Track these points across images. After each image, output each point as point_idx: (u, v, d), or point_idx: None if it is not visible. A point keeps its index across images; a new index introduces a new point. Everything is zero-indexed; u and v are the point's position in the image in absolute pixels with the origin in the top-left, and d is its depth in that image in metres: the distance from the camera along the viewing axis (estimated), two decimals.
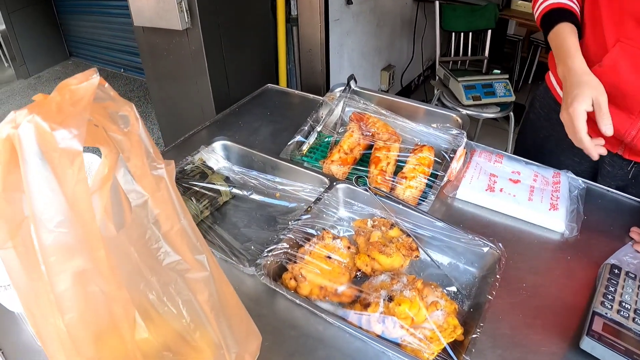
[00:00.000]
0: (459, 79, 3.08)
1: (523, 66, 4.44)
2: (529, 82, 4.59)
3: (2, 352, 0.91)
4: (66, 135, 0.40)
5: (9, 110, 4.86)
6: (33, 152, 0.41)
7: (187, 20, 2.19)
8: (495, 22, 3.34)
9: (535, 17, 1.23)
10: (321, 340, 0.86)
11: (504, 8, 3.84)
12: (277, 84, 3.01)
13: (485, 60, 3.41)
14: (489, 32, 3.37)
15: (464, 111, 2.90)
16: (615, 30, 1.08)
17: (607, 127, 0.99)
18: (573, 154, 1.33)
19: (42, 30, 6.15)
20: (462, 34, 3.41)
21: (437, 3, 3.32)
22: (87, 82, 0.43)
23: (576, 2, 1.18)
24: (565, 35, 1.12)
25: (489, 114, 3.01)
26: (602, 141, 1.03)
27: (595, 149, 1.03)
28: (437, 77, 3.48)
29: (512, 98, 3.05)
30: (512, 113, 3.13)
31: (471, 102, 2.99)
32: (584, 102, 1.00)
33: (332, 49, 3.16)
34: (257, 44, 2.67)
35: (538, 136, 1.39)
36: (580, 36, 1.15)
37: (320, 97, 1.60)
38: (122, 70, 5.84)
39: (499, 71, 3.14)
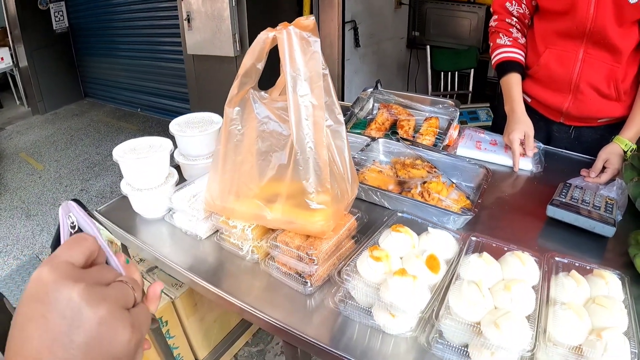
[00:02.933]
0: None
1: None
2: None
3: (145, 244, 1.33)
4: (307, 34, 0.94)
5: (30, 139, 5.29)
6: (294, 40, 0.94)
7: (238, 49, 2.75)
8: (477, 62, 3.97)
9: (492, 62, 1.82)
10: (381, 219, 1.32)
11: (484, 51, 4.36)
12: None
13: (470, 95, 4.02)
14: (472, 70, 4.00)
15: None
16: (544, 41, 1.68)
17: (530, 151, 1.65)
18: None
19: (61, 69, 6.55)
20: (449, 73, 4.03)
21: (428, 47, 3.96)
22: (309, 19, 0.97)
23: (522, 51, 1.75)
24: (513, 86, 1.72)
25: None
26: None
27: (518, 164, 1.65)
28: None
29: None
30: None
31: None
32: (519, 133, 1.64)
33: (345, 84, 3.76)
34: None
35: (503, 121, 1.89)
36: (524, 77, 1.75)
37: (348, 103, 2.14)
38: (139, 109, 6.20)
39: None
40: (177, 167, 1.57)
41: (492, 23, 1.81)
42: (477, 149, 1.73)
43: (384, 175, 1.44)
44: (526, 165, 1.65)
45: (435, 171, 1.47)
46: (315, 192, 1.01)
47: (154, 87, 5.81)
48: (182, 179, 1.50)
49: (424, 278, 0.96)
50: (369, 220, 1.24)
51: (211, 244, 1.30)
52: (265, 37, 0.98)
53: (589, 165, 1.60)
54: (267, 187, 1.06)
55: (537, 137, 1.75)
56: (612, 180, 1.52)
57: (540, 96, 1.78)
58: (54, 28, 6.40)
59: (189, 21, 2.87)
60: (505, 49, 1.75)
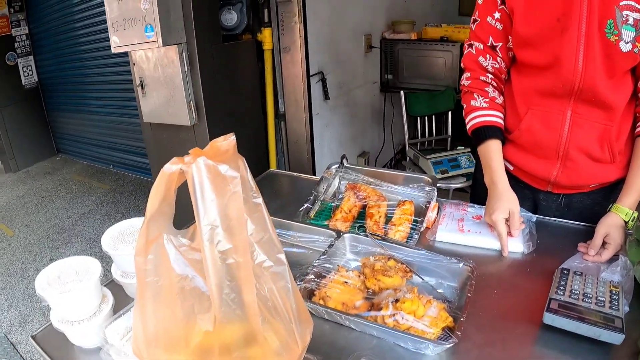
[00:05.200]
0: (427, 157, 3.53)
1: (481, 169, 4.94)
2: None
3: None
4: (225, 168, 0.74)
5: (1, 202, 5.04)
6: (205, 179, 0.73)
7: (194, 117, 2.56)
8: (455, 104, 3.82)
9: (467, 127, 1.61)
10: (347, 344, 1.13)
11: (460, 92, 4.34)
12: None
13: (449, 139, 3.87)
14: (450, 113, 3.85)
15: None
16: (525, 101, 1.49)
17: (516, 232, 1.44)
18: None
19: (32, 126, 6.39)
20: (426, 117, 3.88)
21: (402, 92, 3.80)
22: (229, 140, 0.77)
23: (501, 113, 1.56)
24: (492, 155, 1.52)
25: (457, 184, 3.41)
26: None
27: (507, 247, 1.43)
28: (407, 158, 3.91)
29: None
30: None
31: (440, 175, 3.40)
32: (503, 212, 1.43)
33: (315, 139, 3.57)
34: (251, 138, 3.08)
35: (485, 192, 1.69)
36: (504, 142, 1.56)
37: (316, 177, 1.96)
38: (111, 166, 6.03)
39: (462, 147, 3.59)
40: None
41: (464, 82, 1.61)
42: (459, 231, 1.52)
43: (349, 288, 1.23)
44: (516, 246, 1.44)
45: (410, 277, 1.27)
46: (248, 355, 0.80)
47: (126, 144, 5.65)
48: (124, 296, 1.33)
49: None
50: (336, 347, 1.10)
51: None
52: (170, 172, 0.77)
53: (585, 234, 1.43)
54: (197, 350, 0.85)
55: (522, 207, 1.56)
56: (614, 256, 1.33)
57: (523, 164, 1.58)
58: (23, 83, 6.29)
59: (142, 87, 2.69)
60: (482, 111, 1.55)
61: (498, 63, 1.52)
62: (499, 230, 1.42)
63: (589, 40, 1.30)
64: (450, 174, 3.45)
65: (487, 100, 1.55)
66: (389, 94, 4.61)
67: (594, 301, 1.13)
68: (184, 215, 1.02)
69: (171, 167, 0.78)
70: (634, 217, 1.35)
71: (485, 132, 1.54)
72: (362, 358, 1.00)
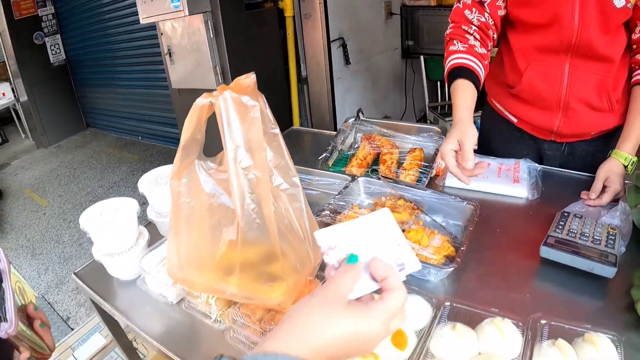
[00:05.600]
0: (447, 119, 3.59)
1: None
2: None
3: (116, 308, 1.28)
4: (247, 99, 0.86)
5: (34, 175, 5.28)
6: (231, 107, 0.86)
7: (220, 81, 2.69)
8: None
9: (445, 73, 1.58)
10: None
11: None
12: None
13: None
14: None
15: None
16: (524, 57, 1.55)
17: (466, 163, 1.32)
18: (520, 149, 1.75)
19: (61, 101, 6.61)
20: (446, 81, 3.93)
21: (422, 57, 3.85)
22: (250, 78, 0.89)
23: (478, 60, 1.51)
24: (456, 93, 1.48)
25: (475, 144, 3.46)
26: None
27: (464, 177, 1.34)
28: (428, 121, 3.97)
29: None
30: None
31: None
32: (450, 144, 1.35)
33: (337, 104, 3.67)
34: (275, 101, 3.18)
35: (491, 145, 1.79)
36: (478, 87, 1.50)
37: (334, 132, 2.06)
38: (139, 137, 6.19)
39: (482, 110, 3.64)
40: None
41: (447, 32, 1.61)
42: None
43: None
44: (521, 192, 1.53)
45: (417, 213, 1.38)
46: (267, 270, 0.93)
47: (153, 114, 5.80)
48: (157, 235, 1.46)
49: (389, 356, 0.87)
50: None
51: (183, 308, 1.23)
52: (201, 104, 0.90)
53: (588, 183, 1.48)
54: (222, 261, 0.98)
55: (527, 157, 1.66)
56: (615, 201, 1.40)
57: (527, 116, 1.66)
58: (52, 61, 6.47)
59: (170, 55, 2.82)
60: (457, 54, 1.52)
61: (485, 18, 1.52)
62: (447, 163, 1.36)
63: None
64: None
65: (466, 46, 1.52)
66: (409, 60, 4.65)
67: (590, 239, 1.20)
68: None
69: (202, 100, 0.91)
70: (633, 161, 1.41)
71: (456, 73, 1.50)
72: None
